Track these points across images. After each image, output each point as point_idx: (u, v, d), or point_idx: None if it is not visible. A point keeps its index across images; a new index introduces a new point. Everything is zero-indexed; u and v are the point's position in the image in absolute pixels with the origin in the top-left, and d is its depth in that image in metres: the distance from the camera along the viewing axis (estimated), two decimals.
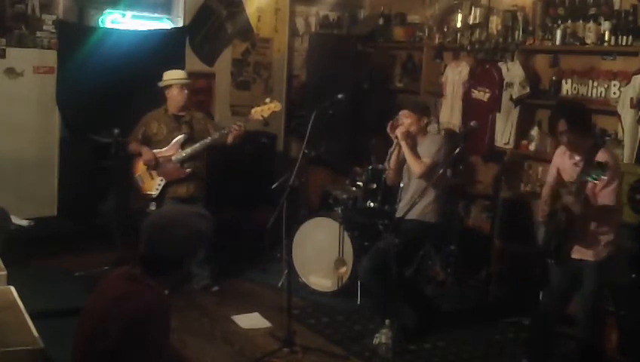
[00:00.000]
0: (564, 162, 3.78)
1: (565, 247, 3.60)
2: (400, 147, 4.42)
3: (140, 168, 4.98)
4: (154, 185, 4.94)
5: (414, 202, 4.20)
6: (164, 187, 4.93)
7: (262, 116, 4.88)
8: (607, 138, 4.92)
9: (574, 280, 3.72)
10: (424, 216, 4.40)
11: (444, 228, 4.78)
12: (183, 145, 4.92)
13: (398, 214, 4.48)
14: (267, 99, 4.93)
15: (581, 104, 4.27)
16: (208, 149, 5.00)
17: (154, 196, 4.92)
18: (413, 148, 4.39)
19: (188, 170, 4.91)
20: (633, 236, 4.23)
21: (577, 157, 3.66)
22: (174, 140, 4.92)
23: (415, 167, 4.34)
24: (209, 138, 4.88)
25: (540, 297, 4.21)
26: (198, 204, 4.97)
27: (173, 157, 4.90)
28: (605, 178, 3.35)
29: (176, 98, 4.93)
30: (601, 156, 3.46)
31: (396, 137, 4.40)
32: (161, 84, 4.98)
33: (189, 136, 4.93)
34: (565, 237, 3.58)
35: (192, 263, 2.45)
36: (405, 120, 4.45)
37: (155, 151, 4.91)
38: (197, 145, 4.88)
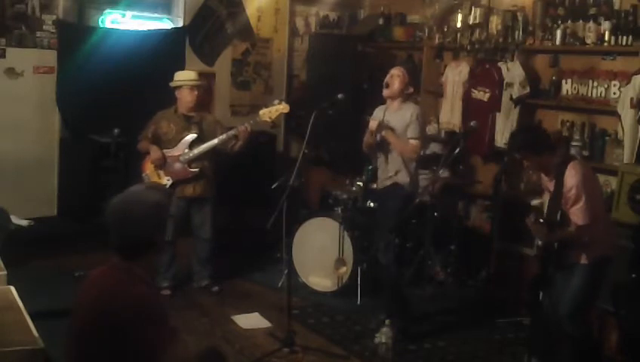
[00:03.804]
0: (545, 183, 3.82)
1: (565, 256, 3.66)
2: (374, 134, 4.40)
3: (148, 167, 4.98)
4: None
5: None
6: (172, 186, 4.92)
7: (269, 118, 4.89)
8: (607, 138, 4.93)
9: (567, 281, 3.74)
10: (397, 179, 4.42)
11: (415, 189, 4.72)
12: (192, 145, 4.92)
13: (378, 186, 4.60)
14: (275, 101, 4.93)
15: (532, 127, 4.59)
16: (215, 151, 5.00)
17: None
18: (396, 136, 4.34)
19: (195, 170, 4.91)
20: (633, 236, 4.23)
21: (550, 178, 3.68)
22: (183, 140, 4.92)
23: (407, 153, 4.34)
24: (216, 139, 4.88)
25: (540, 298, 4.20)
26: (207, 205, 5.00)
27: (180, 157, 4.91)
28: None
29: (185, 99, 4.93)
30: (567, 175, 3.50)
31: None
32: (172, 84, 4.99)
33: (197, 136, 4.93)
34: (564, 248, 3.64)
35: (162, 238, 2.45)
36: (394, 72, 4.45)
37: (163, 150, 4.92)
38: (204, 146, 4.88)
